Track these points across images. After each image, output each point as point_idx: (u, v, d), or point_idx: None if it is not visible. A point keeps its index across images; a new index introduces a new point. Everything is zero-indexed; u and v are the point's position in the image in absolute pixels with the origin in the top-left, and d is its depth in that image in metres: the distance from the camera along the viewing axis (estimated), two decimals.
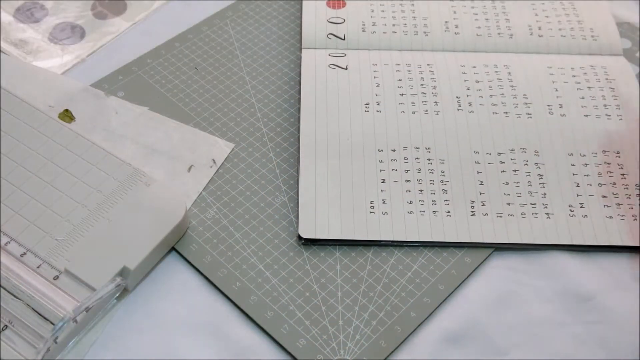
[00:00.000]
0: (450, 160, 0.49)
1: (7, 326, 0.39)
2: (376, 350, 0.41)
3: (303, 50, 0.54)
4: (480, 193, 0.47)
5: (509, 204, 0.47)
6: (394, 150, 0.49)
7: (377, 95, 0.51)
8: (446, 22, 0.57)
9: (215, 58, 0.56)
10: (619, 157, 0.49)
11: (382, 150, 0.48)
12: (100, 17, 0.58)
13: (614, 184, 0.48)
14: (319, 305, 0.43)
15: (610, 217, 0.47)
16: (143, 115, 0.51)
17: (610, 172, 0.49)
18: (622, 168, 0.49)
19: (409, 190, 0.47)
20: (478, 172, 0.48)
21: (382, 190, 0.47)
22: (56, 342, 0.39)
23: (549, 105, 0.52)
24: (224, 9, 0.59)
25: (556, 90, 0.53)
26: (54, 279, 0.41)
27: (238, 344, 0.41)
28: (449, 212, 0.46)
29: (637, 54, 0.57)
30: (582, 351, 0.42)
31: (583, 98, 0.52)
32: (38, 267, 0.41)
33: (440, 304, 0.43)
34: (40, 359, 0.38)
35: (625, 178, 0.48)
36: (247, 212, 0.47)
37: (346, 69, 0.53)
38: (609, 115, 0.52)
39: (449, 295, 0.44)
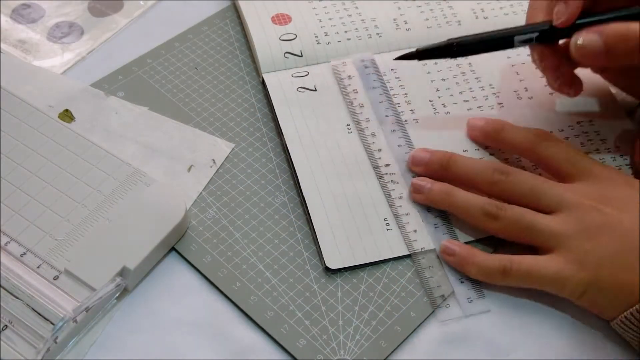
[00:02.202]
0: None
1: (7, 326, 0.39)
2: (376, 350, 0.41)
3: (264, 75, 0.53)
4: None
5: None
6: (387, 165, 0.48)
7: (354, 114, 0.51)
8: (394, 19, 0.56)
9: (215, 58, 0.55)
10: (593, 124, 0.51)
11: (377, 167, 0.48)
12: (98, 14, 0.58)
13: (597, 150, 0.49)
14: (319, 305, 0.43)
15: None
16: (143, 115, 0.51)
17: (590, 139, 0.50)
18: (598, 134, 0.50)
19: None
20: None
21: (391, 206, 0.47)
22: (56, 342, 0.39)
23: (515, 91, 0.52)
24: (224, 9, 0.59)
25: (517, 74, 0.53)
26: (54, 279, 0.41)
27: (238, 344, 0.41)
28: None
29: None
30: (582, 351, 0.42)
31: (543, 77, 0.53)
32: (38, 267, 0.41)
33: (441, 303, 0.43)
34: (40, 359, 0.38)
35: (605, 142, 0.50)
36: (247, 212, 0.47)
37: (315, 90, 0.52)
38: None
39: (449, 295, 0.44)
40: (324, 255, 0.44)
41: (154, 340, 0.41)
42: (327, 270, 0.44)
